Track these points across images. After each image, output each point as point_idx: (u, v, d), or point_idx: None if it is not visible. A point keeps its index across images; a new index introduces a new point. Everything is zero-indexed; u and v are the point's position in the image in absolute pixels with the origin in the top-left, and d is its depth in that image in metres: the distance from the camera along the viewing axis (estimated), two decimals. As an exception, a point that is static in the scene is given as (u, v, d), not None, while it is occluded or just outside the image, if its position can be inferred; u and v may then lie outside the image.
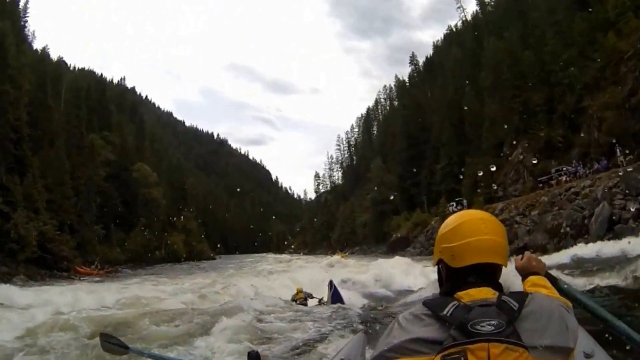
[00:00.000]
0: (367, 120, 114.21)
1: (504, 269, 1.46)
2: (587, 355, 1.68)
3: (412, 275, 18.81)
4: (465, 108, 52.60)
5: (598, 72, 33.64)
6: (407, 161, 67.56)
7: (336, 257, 48.33)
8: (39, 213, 33.99)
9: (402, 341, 1.23)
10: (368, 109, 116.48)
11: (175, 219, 71.88)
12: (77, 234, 41.47)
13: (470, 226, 1.41)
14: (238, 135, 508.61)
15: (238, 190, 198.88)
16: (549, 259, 19.47)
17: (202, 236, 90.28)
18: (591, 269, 13.38)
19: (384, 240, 62.71)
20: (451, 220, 1.47)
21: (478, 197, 42.34)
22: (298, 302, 12.48)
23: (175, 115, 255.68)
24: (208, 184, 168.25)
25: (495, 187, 40.81)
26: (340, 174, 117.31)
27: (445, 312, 1.24)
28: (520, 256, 1.64)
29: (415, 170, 65.04)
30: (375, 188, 72.06)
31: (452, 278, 1.42)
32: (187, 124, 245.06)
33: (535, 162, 37.53)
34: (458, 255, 1.38)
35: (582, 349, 1.67)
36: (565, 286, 1.70)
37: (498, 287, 1.35)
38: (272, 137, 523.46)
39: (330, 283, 11.99)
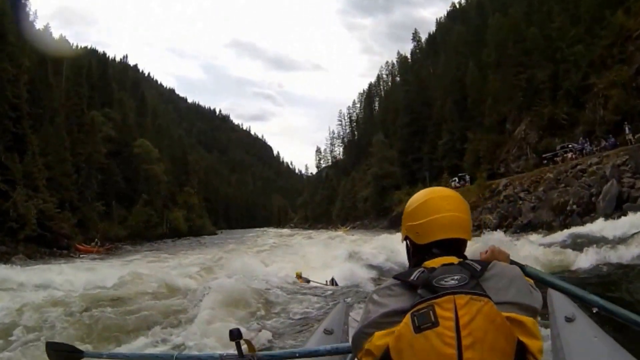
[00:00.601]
0: (368, 95, 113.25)
1: None
2: (568, 319, 1.70)
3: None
4: (468, 84, 52.22)
5: (605, 50, 33.20)
6: (409, 136, 67.38)
7: (338, 232, 48.76)
8: (39, 191, 33.72)
9: (376, 316, 1.28)
10: (370, 84, 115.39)
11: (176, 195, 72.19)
12: (77, 211, 41.31)
13: (433, 204, 1.46)
14: (240, 111, 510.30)
15: (240, 165, 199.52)
16: (549, 239, 19.49)
17: (204, 211, 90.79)
18: (591, 247, 13.35)
19: (385, 215, 62.40)
20: (415, 199, 1.54)
21: (481, 172, 42.18)
22: None
23: (177, 92, 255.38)
24: (210, 159, 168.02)
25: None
26: (341, 149, 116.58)
27: (412, 278, 1.29)
28: (485, 250, 1.66)
29: (417, 145, 64.96)
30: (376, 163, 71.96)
31: (418, 253, 1.48)
32: (189, 100, 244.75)
33: (537, 139, 37.29)
34: (422, 233, 1.45)
35: (564, 314, 1.71)
36: (532, 270, 1.73)
37: (463, 258, 1.39)
38: (274, 113, 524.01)
39: (332, 280, 12.19)
